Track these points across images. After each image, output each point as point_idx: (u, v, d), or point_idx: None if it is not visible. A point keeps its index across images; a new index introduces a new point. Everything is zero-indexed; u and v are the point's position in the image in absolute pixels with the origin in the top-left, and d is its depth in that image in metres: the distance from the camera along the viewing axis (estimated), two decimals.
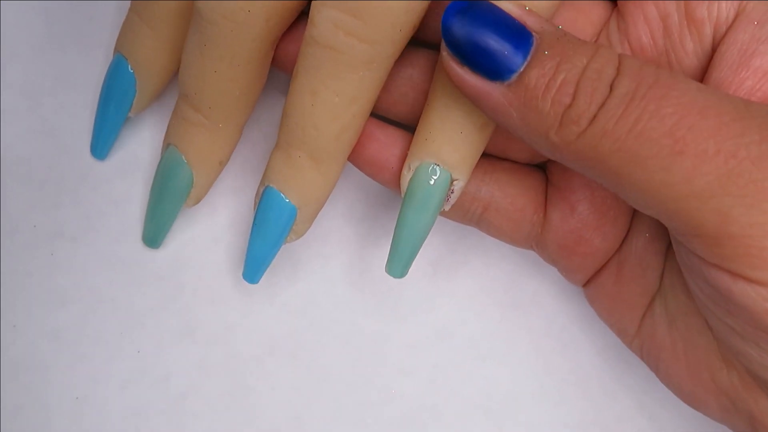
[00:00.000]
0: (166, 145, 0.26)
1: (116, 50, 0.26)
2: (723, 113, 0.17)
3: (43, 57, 0.29)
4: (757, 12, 0.20)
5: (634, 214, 0.24)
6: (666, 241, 0.24)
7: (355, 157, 0.24)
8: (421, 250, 0.28)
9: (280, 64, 0.25)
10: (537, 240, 0.25)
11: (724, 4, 0.20)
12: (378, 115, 0.25)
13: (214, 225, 0.29)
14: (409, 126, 0.24)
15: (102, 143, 0.28)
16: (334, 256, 0.29)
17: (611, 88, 0.17)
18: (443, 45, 0.19)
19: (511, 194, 0.25)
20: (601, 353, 0.29)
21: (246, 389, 0.29)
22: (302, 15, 0.23)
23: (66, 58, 0.27)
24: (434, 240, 0.29)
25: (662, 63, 0.22)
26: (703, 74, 0.21)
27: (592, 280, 0.25)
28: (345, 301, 0.29)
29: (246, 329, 0.29)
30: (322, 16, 0.20)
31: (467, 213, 0.25)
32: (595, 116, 0.18)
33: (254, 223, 0.25)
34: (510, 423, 0.29)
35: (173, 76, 0.27)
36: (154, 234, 0.28)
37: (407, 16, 0.20)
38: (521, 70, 0.18)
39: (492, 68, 0.18)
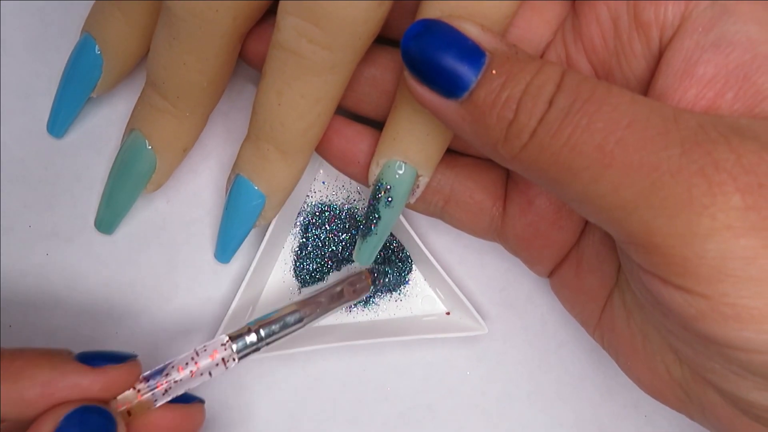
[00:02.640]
0: (130, 130, 0.26)
1: (84, 30, 0.26)
2: (650, 126, 0.18)
3: (38, 57, 0.29)
4: (703, 18, 0.20)
5: None
6: None
7: (324, 151, 0.25)
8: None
9: (250, 61, 0.25)
10: (498, 232, 0.26)
11: (670, 7, 0.20)
12: (344, 110, 0.26)
13: (210, 225, 0.29)
14: (372, 121, 0.25)
15: (60, 121, 0.28)
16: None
17: (551, 103, 0.18)
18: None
19: (470, 188, 0.26)
20: (596, 352, 0.29)
21: (241, 388, 0.29)
22: (272, 13, 0.24)
23: (61, 58, 0.27)
24: (430, 240, 0.30)
25: (613, 64, 0.22)
26: (651, 76, 0.21)
27: (555, 272, 0.26)
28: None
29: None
30: (286, 23, 0.21)
31: (429, 205, 0.26)
32: (535, 130, 0.18)
33: (225, 208, 0.26)
34: (506, 422, 0.29)
35: (140, 60, 0.27)
36: (109, 219, 0.28)
37: (367, 25, 0.21)
38: (472, 88, 0.19)
39: (446, 87, 0.19)
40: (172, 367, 0.23)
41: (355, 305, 0.29)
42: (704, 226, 0.17)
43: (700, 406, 0.22)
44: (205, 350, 0.23)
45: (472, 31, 0.20)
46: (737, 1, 0.20)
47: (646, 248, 0.18)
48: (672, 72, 0.20)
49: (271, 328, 0.24)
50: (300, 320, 0.25)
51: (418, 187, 0.24)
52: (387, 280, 0.28)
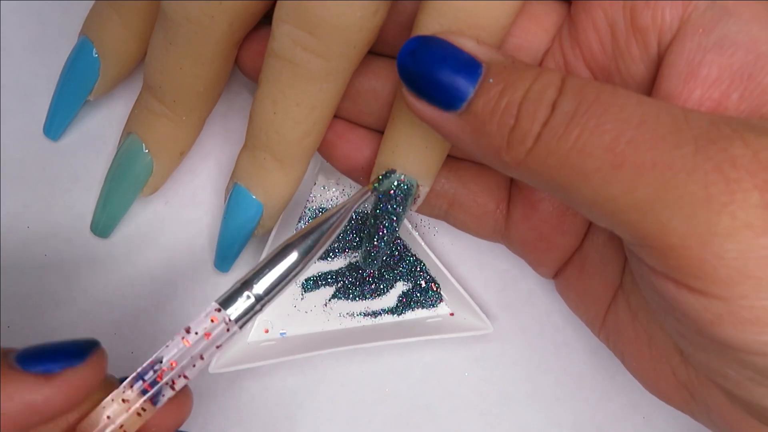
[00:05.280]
0: (126, 133, 0.26)
1: (82, 33, 0.26)
2: (660, 126, 0.17)
3: (37, 58, 0.29)
4: (703, 19, 0.20)
5: None
6: None
7: (329, 156, 0.25)
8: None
9: (248, 73, 0.25)
10: (502, 234, 0.26)
11: (668, 11, 0.20)
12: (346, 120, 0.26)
13: (208, 226, 0.29)
14: (376, 130, 0.25)
15: (57, 124, 0.28)
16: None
17: (554, 107, 0.18)
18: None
19: (473, 191, 0.26)
20: (594, 353, 0.29)
21: (240, 389, 0.29)
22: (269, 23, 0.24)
23: (60, 59, 0.27)
24: (428, 240, 0.30)
25: (611, 69, 0.22)
26: (651, 80, 0.21)
27: (560, 273, 0.26)
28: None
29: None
30: (281, 32, 0.21)
31: (434, 208, 0.26)
32: (539, 135, 0.18)
33: (224, 217, 0.26)
34: (504, 423, 0.29)
35: (138, 64, 0.27)
36: (105, 223, 0.28)
37: (361, 33, 0.21)
38: (470, 98, 0.19)
39: (444, 100, 0.19)
40: (162, 361, 0.19)
41: (357, 314, 0.29)
42: (723, 225, 0.16)
43: (706, 408, 0.21)
44: (197, 333, 0.20)
45: (467, 44, 0.20)
46: (737, 1, 0.20)
47: (661, 250, 0.17)
48: (676, 74, 0.20)
49: (266, 280, 0.19)
50: (298, 260, 0.20)
51: (419, 196, 0.24)
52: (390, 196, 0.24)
